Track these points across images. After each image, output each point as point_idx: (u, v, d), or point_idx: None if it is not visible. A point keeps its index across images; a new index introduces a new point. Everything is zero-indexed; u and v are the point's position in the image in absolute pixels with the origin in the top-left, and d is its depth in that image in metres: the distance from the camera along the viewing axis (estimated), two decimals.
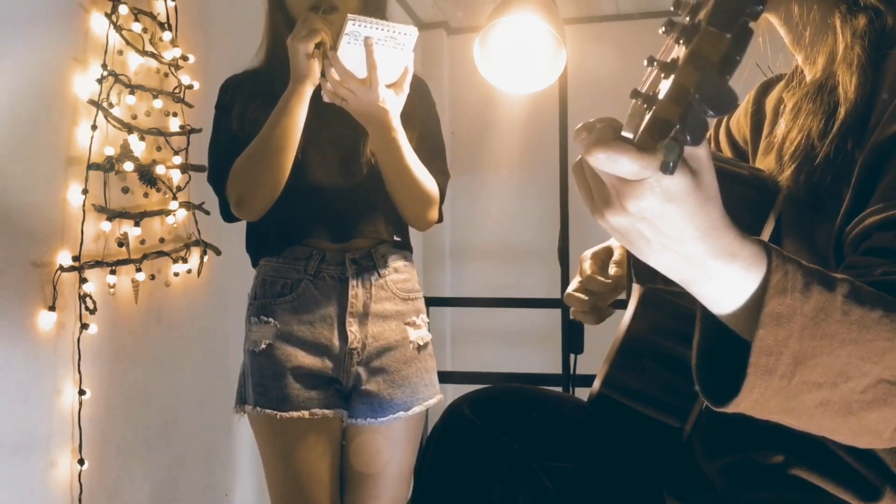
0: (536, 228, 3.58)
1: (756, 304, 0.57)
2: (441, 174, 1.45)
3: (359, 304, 1.38)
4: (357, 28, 1.18)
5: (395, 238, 1.45)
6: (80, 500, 1.53)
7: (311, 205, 1.37)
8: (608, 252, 1.05)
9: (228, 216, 1.40)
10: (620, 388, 0.89)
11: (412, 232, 1.51)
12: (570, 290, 1.03)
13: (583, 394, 1.02)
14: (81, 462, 1.53)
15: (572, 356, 2.08)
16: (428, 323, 1.49)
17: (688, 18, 0.49)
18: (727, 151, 1.04)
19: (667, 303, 0.85)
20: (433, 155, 1.45)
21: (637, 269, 0.87)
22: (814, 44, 0.79)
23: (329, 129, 1.38)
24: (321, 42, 1.27)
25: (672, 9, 0.53)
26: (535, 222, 3.60)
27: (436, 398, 1.46)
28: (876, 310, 0.58)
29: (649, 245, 0.55)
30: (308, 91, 1.30)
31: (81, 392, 1.53)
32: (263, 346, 1.36)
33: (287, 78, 1.32)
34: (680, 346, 0.84)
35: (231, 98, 1.42)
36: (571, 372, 2.10)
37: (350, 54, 1.22)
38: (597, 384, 0.92)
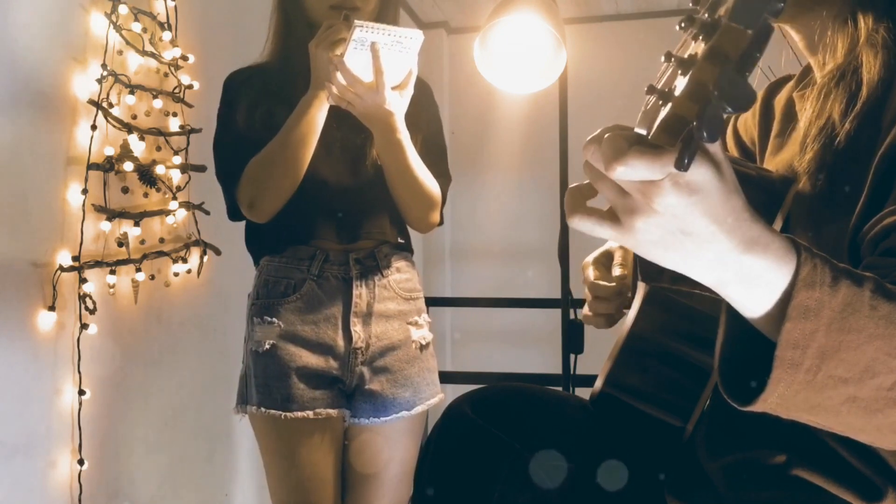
0: (536, 228, 3.58)
1: (786, 300, 0.57)
2: (443, 177, 1.46)
3: (363, 304, 1.38)
4: (364, 34, 1.19)
5: (399, 240, 1.46)
6: (79, 500, 1.52)
7: (318, 205, 1.38)
8: (608, 255, 1.05)
9: (236, 216, 1.40)
10: (623, 386, 0.89)
11: (412, 232, 1.51)
12: (584, 311, 1.03)
13: (583, 394, 1.02)
14: (81, 462, 1.52)
15: (572, 356, 2.09)
16: (429, 322, 1.50)
17: (707, 14, 0.49)
18: (734, 152, 1.04)
19: (671, 302, 0.85)
20: (436, 158, 1.45)
21: (642, 267, 0.86)
22: (834, 38, 0.79)
23: (338, 128, 1.38)
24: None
25: (690, 4, 0.52)
26: (535, 222, 3.60)
27: (437, 397, 1.47)
28: None
29: (684, 247, 0.54)
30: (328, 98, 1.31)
31: (81, 392, 1.53)
32: (267, 346, 1.36)
33: (299, 78, 1.33)
34: (684, 345, 0.84)
35: (237, 94, 1.41)
36: (571, 372, 2.10)
37: (356, 59, 1.22)
38: (599, 382, 0.92)
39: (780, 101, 0.94)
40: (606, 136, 0.52)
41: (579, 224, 0.56)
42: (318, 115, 1.31)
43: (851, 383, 0.58)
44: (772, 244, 0.56)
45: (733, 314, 0.62)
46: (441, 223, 1.46)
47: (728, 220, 0.53)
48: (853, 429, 0.62)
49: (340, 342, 1.37)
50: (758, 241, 0.55)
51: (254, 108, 1.38)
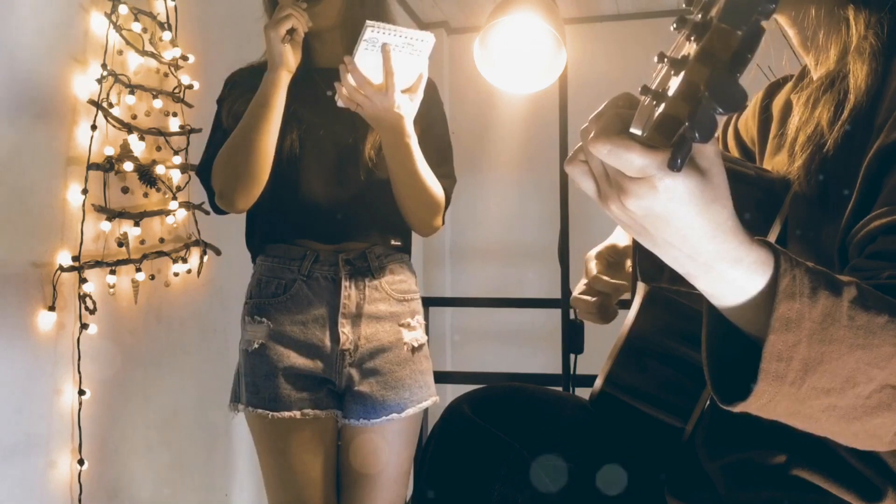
0: (536, 228, 3.58)
1: (760, 303, 0.57)
2: (447, 178, 1.44)
3: (351, 305, 1.37)
4: (375, 35, 1.19)
5: (393, 242, 1.44)
6: (79, 500, 1.52)
7: (304, 205, 1.37)
8: (612, 251, 1.04)
9: (216, 208, 1.41)
10: (623, 386, 0.89)
11: (412, 232, 1.50)
12: (575, 293, 1.03)
13: (583, 394, 1.02)
14: (81, 462, 1.52)
15: (572, 356, 2.08)
16: (424, 325, 1.48)
17: (700, 15, 0.49)
18: (735, 152, 1.04)
19: (671, 302, 0.85)
20: (441, 159, 1.44)
21: (642, 267, 0.86)
22: (827, 40, 0.79)
23: (328, 127, 1.38)
24: (293, 28, 1.28)
25: (684, 5, 0.53)
26: (535, 222, 3.60)
27: (430, 400, 1.45)
28: (882, 315, 0.58)
29: (652, 239, 0.55)
30: (284, 79, 1.30)
31: (81, 392, 1.53)
32: (256, 345, 1.36)
33: None
34: (684, 345, 0.84)
35: (228, 92, 1.43)
36: (571, 372, 2.09)
37: (367, 60, 1.22)
38: (599, 382, 0.92)
39: (778, 103, 0.94)
40: (608, 112, 0.52)
41: (572, 170, 0.57)
42: (276, 97, 1.30)
43: (833, 394, 0.58)
44: (745, 258, 0.56)
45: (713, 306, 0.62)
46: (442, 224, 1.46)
47: (703, 230, 0.53)
48: (829, 432, 0.63)
49: (328, 343, 1.36)
50: (730, 254, 0.55)
51: (232, 105, 1.39)
